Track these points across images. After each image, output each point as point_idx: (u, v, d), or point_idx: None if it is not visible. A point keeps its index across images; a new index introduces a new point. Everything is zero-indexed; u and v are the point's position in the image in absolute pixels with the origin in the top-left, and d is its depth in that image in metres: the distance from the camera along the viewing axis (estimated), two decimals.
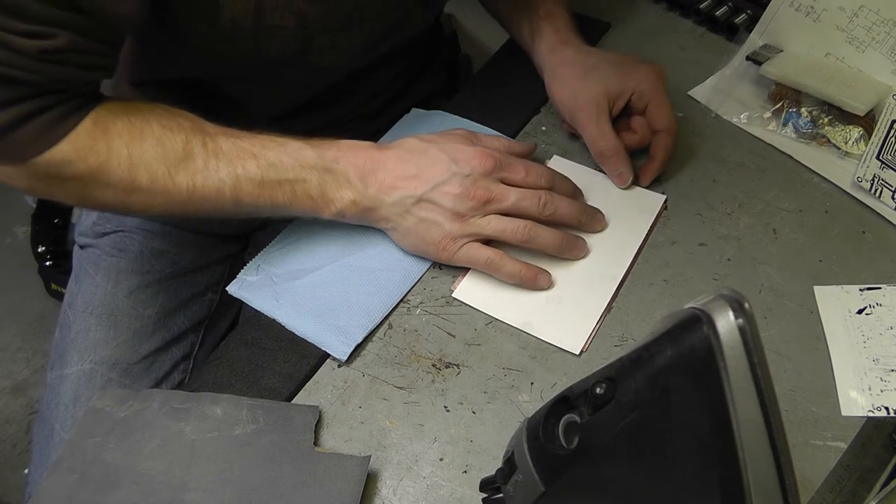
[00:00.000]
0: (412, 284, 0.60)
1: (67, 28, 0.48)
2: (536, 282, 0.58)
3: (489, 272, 0.58)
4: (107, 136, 0.52)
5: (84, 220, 0.81)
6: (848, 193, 0.66)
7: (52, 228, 1.48)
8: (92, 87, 0.55)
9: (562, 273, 0.60)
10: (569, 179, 0.62)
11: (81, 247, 0.79)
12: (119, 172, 0.52)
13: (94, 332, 0.71)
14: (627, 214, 0.64)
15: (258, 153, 0.55)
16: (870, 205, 0.64)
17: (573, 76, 0.67)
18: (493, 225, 0.57)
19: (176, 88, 0.73)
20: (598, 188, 0.66)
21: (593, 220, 0.62)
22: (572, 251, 0.60)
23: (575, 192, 0.63)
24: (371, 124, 0.79)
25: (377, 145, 0.58)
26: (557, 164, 0.69)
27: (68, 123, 0.52)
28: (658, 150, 0.65)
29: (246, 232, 0.85)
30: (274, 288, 0.60)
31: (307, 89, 0.72)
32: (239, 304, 0.81)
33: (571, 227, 0.61)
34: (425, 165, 0.57)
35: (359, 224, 0.60)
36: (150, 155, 0.53)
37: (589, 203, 0.65)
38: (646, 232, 0.63)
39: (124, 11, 0.51)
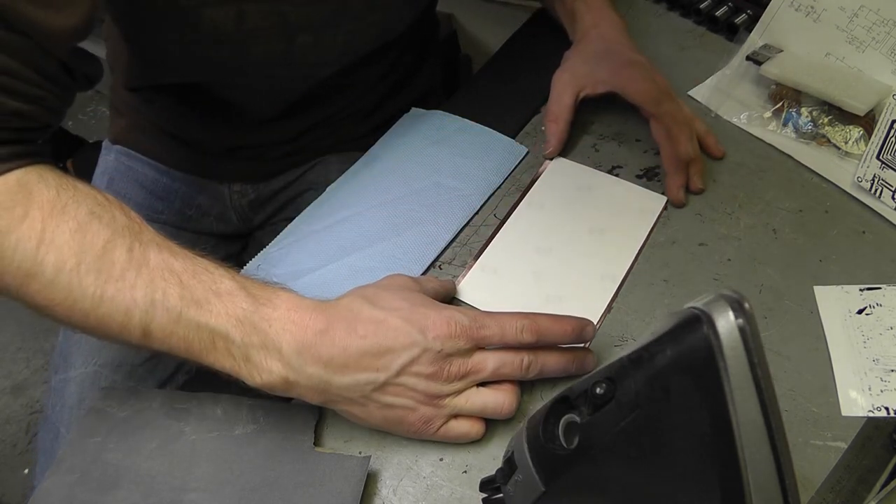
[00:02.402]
0: None
1: None
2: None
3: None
4: (27, 202, 0.45)
5: None
6: (848, 193, 0.65)
7: None
8: (23, 126, 0.48)
9: (562, 273, 0.60)
10: (559, 319, 0.51)
11: None
12: (25, 247, 0.44)
13: None
14: (628, 214, 0.64)
15: (186, 282, 0.46)
16: (870, 205, 0.64)
17: (576, 58, 0.71)
18: (473, 402, 0.49)
19: (170, 92, 0.73)
20: (599, 188, 0.66)
21: (583, 365, 0.53)
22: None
23: (568, 334, 0.51)
24: (367, 121, 0.79)
25: (322, 307, 0.48)
26: (557, 164, 0.69)
27: None
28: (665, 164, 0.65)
29: (245, 232, 0.85)
30: None
31: (298, 87, 0.72)
32: None
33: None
34: (387, 340, 0.46)
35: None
36: (64, 240, 0.45)
37: (588, 203, 0.65)
38: (646, 232, 0.63)
39: (61, 25, 0.47)
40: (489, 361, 0.49)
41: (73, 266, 0.44)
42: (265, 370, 0.46)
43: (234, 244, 0.85)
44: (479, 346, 0.49)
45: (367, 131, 0.77)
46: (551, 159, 0.69)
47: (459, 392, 0.48)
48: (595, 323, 0.56)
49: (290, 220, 0.66)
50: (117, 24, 0.68)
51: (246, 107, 0.73)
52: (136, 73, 0.74)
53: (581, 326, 0.51)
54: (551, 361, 0.51)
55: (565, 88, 0.68)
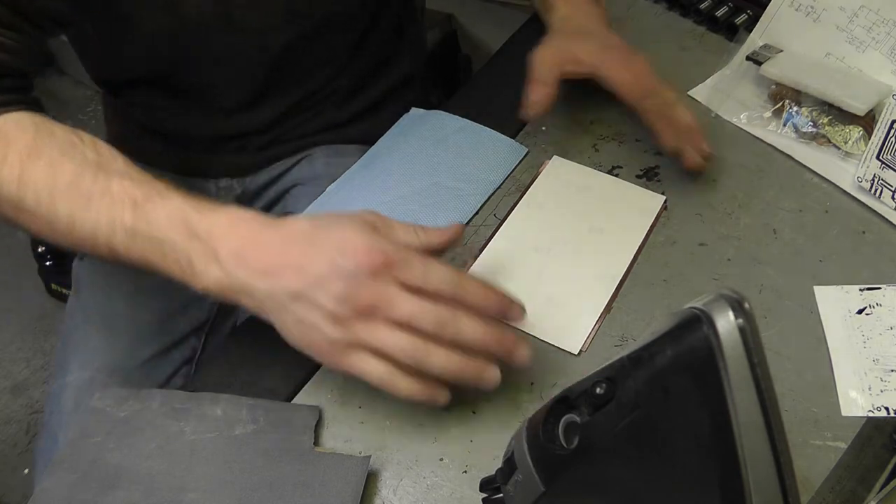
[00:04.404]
0: None
1: None
2: (434, 401, 0.49)
3: (382, 389, 0.48)
4: (5, 147, 0.52)
5: None
6: (848, 193, 0.65)
7: None
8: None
9: (562, 273, 0.60)
10: (488, 287, 0.49)
11: (81, 258, 0.79)
12: (8, 188, 0.51)
13: (93, 339, 0.72)
14: (627, 214, 0.64)
15: (141, 203, 0.50)
16: (870, 205, 0.64)
17: (552, 38, 0.69)
18: (380, 336, 0.46)
19: (145, 90, 0.74)
20: (598, 188, 0.66)
21: (510, 350, 0.49)
22: (476, 381, 0.48)
23: (492, 303, 0.49)
24: (347, 106, 0.78)
25: (267, 222, 0.50)
26: (557, 164, 0.69)
27: None
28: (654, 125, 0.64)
29: None
30: None
31: (253, 59, 0.71)
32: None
33: (480, 353, 0.48)
34: (308, 255, 0.47)
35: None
36: (39, 177, 0.51)
37: (588, 203, 0.65)
38: (645, 232, 0.63)
39: None
40: (405, 302, 0.46)
41: (47, 199, 0.51)
42: (204, 274, 0.49)
43: None
44: (400, 285, 0.47)
45: (348, 117, 0.76)
46: (527, 123, 0.68)
47: (367, 322, 0.46)
48: (523, 310, 0.52)
49: (287, 214, 0.66)
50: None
51: (214, 90, 0.72)
52: (91, 66, 0.75)
53: (508, 299, 0.50)
54: (470, 326, 0.47)
55: (544, 61, 0.66)
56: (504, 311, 0.50)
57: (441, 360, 0.47)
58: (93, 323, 0.73)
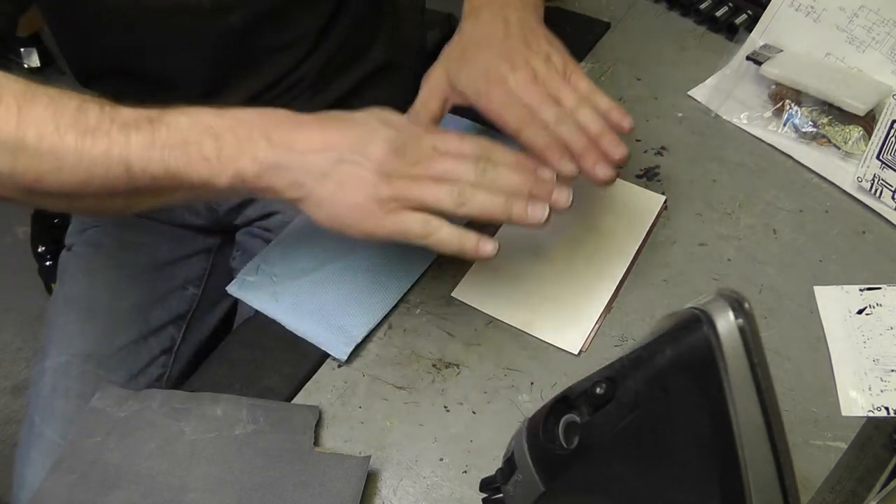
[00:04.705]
0: (412, 284, 0.60)
1: None
2: (478, 248, 0.49)
3: (422, 240, 0.49)
4: None
5: (72, 222, 0.82)
6: (848, 193, 0.65)
7: (51, 228, 1.48)
8: None
9: (561, 272, 0.60)
10: (514, 152, 0.52)
11: (68, 249, 0.80)
12: (6, 129, 0.48)
13: (72, 325, 0.72)
14: (627, 214, 0.64)
15: (156, 117, 0.49)
16: (870, 205, 0.64)
17: (448, 55, 0.63)
18: (424, 187, 0.49)
19: (108, 79, 0.73)
20: (598, 188, 0.66)
21: (549, 191, 0.51)
22: (523, 215, 0.49)
23: (524, 163, 0.52)
24: (320, 96, 0.76)
25: (294, 112, 0.51)
26: None
27: None
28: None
29: (217, 227, 0.83)
30: (273, 288, 0.60)
31: (214, 46, 0.69)
32: (228, 302, 0.81)
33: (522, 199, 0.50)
34: (349, 127, 0.50)
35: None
36: (40, 113, 0.48)
37: (588, 203, 0.65)
38: (645, 232, 0.63)
39: None
40: (445, 157, 0.50)
41: (53, 130, 0.48)
42: (238, 157, 0.48)
43: (212, 238, 0.84)
44: (438, 151, 0.50)
45: (322, 108, 0.74)
46: None
47: (410, 178, 0.49)
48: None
49: (269, 215, 0.65)
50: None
51: (177, 77, 0.71)
52: (66, 56, 0.74)
53: (538, 163, 0.52)
54: (507, 171, 0.50)
55: (432, 92, 0.62)
56: (536, 169, 0.51)
57: (485, 195, 0.49)
58: (73, 310, 0.73)
